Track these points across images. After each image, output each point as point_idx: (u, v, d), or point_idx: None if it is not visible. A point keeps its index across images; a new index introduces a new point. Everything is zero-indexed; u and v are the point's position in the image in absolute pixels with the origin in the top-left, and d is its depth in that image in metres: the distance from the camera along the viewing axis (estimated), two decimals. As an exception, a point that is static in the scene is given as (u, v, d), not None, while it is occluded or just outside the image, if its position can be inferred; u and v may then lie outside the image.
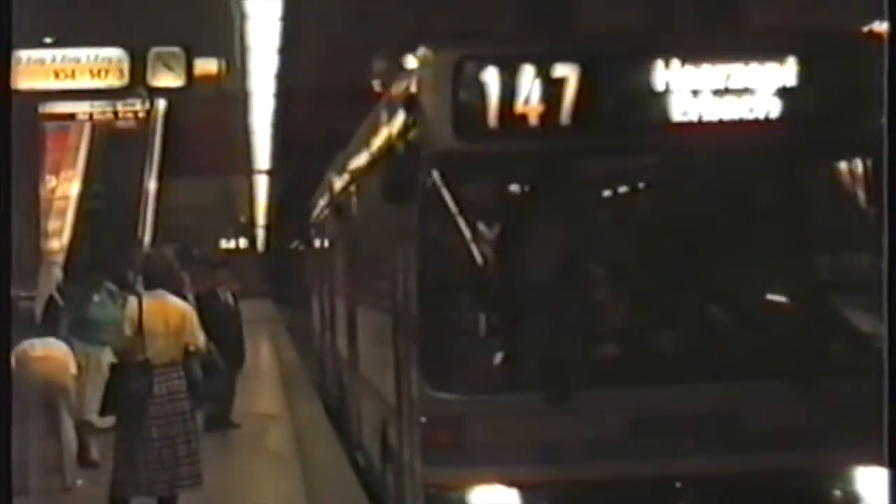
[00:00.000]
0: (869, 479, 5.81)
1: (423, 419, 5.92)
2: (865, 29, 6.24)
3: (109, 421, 7.88)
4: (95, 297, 10.73)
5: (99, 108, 22.53)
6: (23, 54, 17.96)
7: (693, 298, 6.02)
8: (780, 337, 6.03)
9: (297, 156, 26.31)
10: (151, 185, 28.36)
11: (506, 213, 6.15)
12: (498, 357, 5.94)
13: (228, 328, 12.04)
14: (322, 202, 14.49)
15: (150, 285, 7.94)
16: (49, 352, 9.17)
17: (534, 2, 11.94)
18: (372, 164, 8.13)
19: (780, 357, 5.93)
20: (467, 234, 5.79)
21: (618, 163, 6.18)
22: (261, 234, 52.90)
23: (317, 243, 16.17)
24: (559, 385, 5.74)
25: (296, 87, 19.46)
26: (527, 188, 6.20)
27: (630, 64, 5.94)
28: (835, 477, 5.92)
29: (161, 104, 25.88)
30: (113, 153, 27.64)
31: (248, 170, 32.70)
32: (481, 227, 5.94)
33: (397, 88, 6.70)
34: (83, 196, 27.49)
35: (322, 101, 19.70)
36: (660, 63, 5.86)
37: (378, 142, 7.66)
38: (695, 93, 5.87)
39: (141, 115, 22.71)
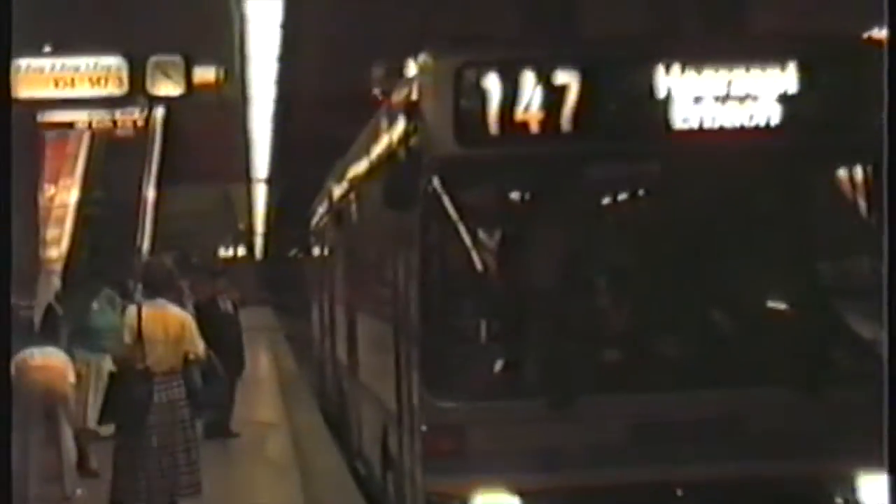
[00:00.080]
0: (870, 486, 5.80)
1: (423, 427, 5.90)
2: (866, 35, 6.24)
3: (112, 429, 7.87)
4: (94, 305, 10.72)
5: (98, 117, 22.52)
6: (22, 63, 17.96)
7: (694, 304, 6.02)
8: (782, 343, 6.02)
9: (296, 163, 26.32)
10: (150, 193, 28.33)
11: (507, 219, 6.15)
12: (499, 364, 5.93)
13: (228, 336, 12.02)
14: (322, 209, 14.49)
15: (150, 294, 7.94)
16: (48, 361, 9.14)
17: (536, 7, 11.96)
18: (372, 170, 8.13)
19: (781, 363, 5.92)
20: (469, 240, 5.79)
21: (619, 169, 6.17)
22: (259, 241, 52.90)
23: (316, 251, 16.17)
24: (561, 392, 5.73)
25: (295, 94, 19.47)
26: (528, 194, 6.20)
27: (631, 70, 5.94)
28: (836, 483, 5.91)
29: (160, 112, 25.86)
30: (112, 161, 27.60)
31: (247, 177, 32.72)
32: (483, 233, 5.94)
33: (398, 95, 6.70)
34: (82, 204, 27.45)
35: (321, 108, 19.71)
36: (661, 69, 5.86)
37: (379, 149, 7.66)
38: (696, 99, 5.88)
39: (140, 123, 22.69)
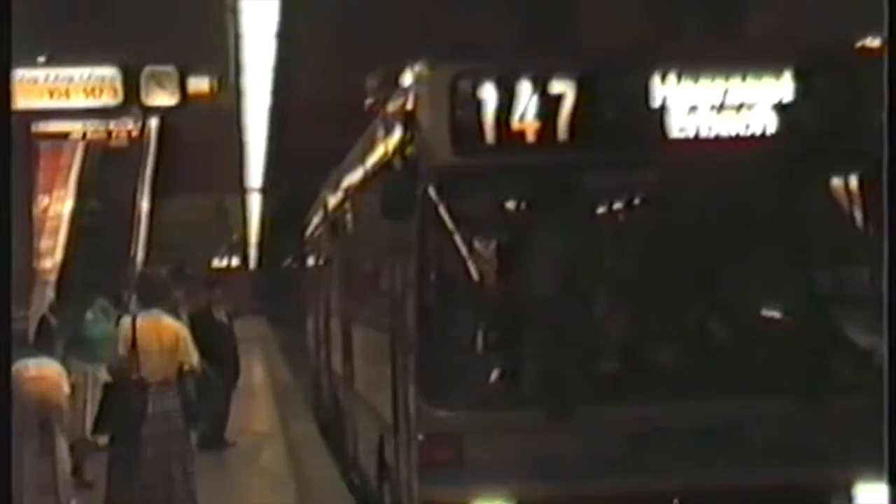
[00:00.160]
0: (868, 495, 5.79)
1: (420, 436, 5.89)
2: (860, 44, 6.25)
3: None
4: (89, 315, 10.70)
5: (92, 127, 22.50)
6: (16, 73, 17.97)
7: (691, 314, 6.02)
8: (780, 352, 6.02)
9: (291, 173, 26.30)
10: (144, 204, 28.31)
11: (504, 228, 6.14)
12: (496, 373, 5.92)
13: (223, 347, 12.00)
14: (317, 219, 14.48)
15: (145, 304, 7.94)
16: (42, 372, 9.11)
17: (532, 15, 11.97)
18: (368, 180, 8.13)
19: (779, 373, 5.92)
20: (465, 249, 5.78)
21: (616, 178, 6.17)
22: (253, 252, 52.84)
23: (311, 261, 16.16)
24: (558, 401, 5.72)
25: (289, 104, 19.46)
26: (525, 203, 6.20)
27: (627, 79, 5.95)
28: (834, 492, 5.90)
29: (154, 122, 25.86)
30: (106, 172, 27.58)
31: (242, 187, 32.70)
32: (479, 242, 5.94)
33: (394, 104, 6.70)
34: (76, 215, 27.43)
35: (316, 118, 19.71)
36: (657, 78, 5.87)
37: (375, 158, 7.66)
38: (692, 108, 5.88)
39: (134, 133, 22.68)
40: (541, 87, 5.81)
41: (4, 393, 3.38)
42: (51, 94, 19.06)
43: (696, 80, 5.89)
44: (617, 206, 6.35)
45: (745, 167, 5.98)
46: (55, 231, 27.14)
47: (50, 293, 17.92)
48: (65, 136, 23.99)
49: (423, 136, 5.89)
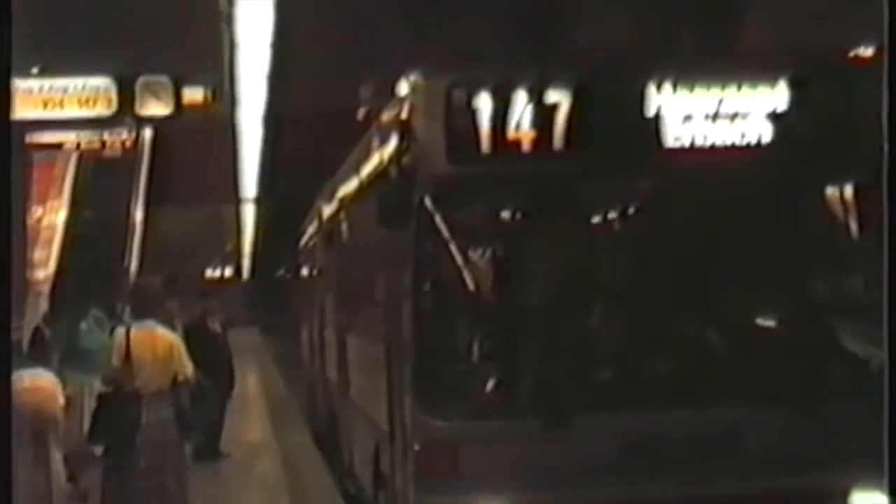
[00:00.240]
0: (864, 503, 5.79)
1: (416, 446, 5.88)
2: (857, 52, 6.27)
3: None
4: (83, 326, 10.68)
5: (86, 138, 22.50)
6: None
7: (687, 322, 6.03)
8: (776, 361, 6.02)
9: (285, 183, 26.30)
10: (138, 214, 28.30)
11: (500, 237, 6.15)
12: (492, 382, 5.92)
13: (217, 357, 11.99)
14: (311, 229, 14.48)
15: (138, 315, 7.93)
16: (37, 383, 9.08)
17: (527, 25, 12.00)
18: (364, 189, 8.13)
19: (775, 381, 5.92)
20: (461, 258, 5.79)
21: (611, 187, 6.18)
22: (247, 262, 52.76)
23: (305, 271, 16.15)
24: (554, 410, 5.72)
25: (284, 114, 19.48)
26: (520, 212, 6.20)
27: (622, 88, 5.96)
28: (831, 501, 5.90)
29: (148, 132, 25.87)
30: (100, 182, 27.58)
31: (236, 197, 32.70)
32: (475, 251, 5.94)
33: (390, 114, 6.71)
34: (70, 225, 27.41)
35: (310, 128, 19.72)
36: (652, 87, 5.88)
37: (370, 168, 7.66)
38: (687, 117, 5.89)
39: (128, 143, 22.68)
40: (536, 97, 5.82)
41: (4, 402, 3.37)
42: (45, 105, 19.06)
43: (691, 89, 5.91)
44: (612, 215, 6.36)
45: (740, 176, 5.99)
46: (49, 242, 27.11)
47: (44, 304, 17.91)
48: (59, 146, 23.98)
49: (418, 145, 5.89)
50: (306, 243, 15.69)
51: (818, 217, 6.27)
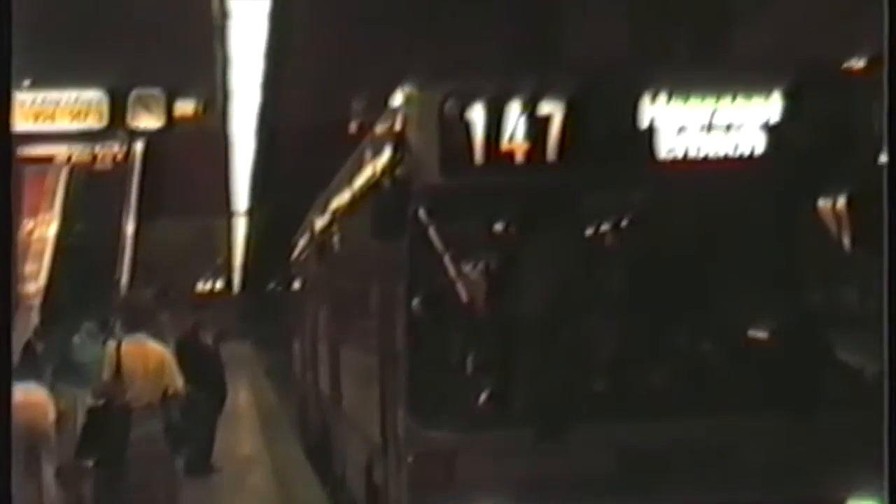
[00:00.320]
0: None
1: (410, 457, 5.87)
2: (851, 64, 6.29)
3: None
4: (76, 340, 10.65)
5: (77, 151, 22.46)
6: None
7: (682, 333, 6.03)
8: (770, 371, 6.03)
9: (276, 196, 26.29)
10: (129, 227, 28.25)
11: (494, 248, 6.14)
12: (485, 393, 5.91)
13: (209, 371, 11.98)
14: (303, 242, 14.46)
15: (129, 329, 7.91)
16: (29, 397, 9.04)
17: (521, 37, 12.03)
18: (357, 201, 8.13)
19: (770, 392, 5.93)
20: (455, 269, 5.78)
21: (605, 198, 6.19)
22: (238, 275, 52.68)
23: (297, 283, 16.12)
24: (548, 421, 5.71)
25: (275, 127, 19.49)
26: (514, 224, 6.20)
27: (616, 100, 5.97)
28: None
29: (139, 145, 25.85)
30: (91, 195, 27.53)
31: (228, 210, 32.68)
32: (469, 262, 5.93)
33: (383, 126, 6.71)
34: (60, 238, 27.35)
35: (302, 141, 19.72)
36: (646, 99, 5.89)
37: (363, 179, 7.66)
38: (682, 128, 5.90)
39: (119, 156, 22.64)
40: (530, 108, 5.83)
41: (4, 416, 3.36)
42: (36, 118, 19.02)
43: (685, 100, 5.92)
44: (606, 226, 6.36)
45: (734, 187, 6.00)
46: (40, 255, 27.05)
47: (34, 317, 17.84)
48: (50, 159, 23.93)
49: (412, 156, 5.90)
50: (298, 256, 15.68)
51: (812, 228, 6.27)
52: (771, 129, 5.95)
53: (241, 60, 14.84)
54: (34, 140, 20.50)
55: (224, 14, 13.09)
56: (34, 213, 27.42)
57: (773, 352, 6.17)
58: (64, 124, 18.99)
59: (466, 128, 5.80)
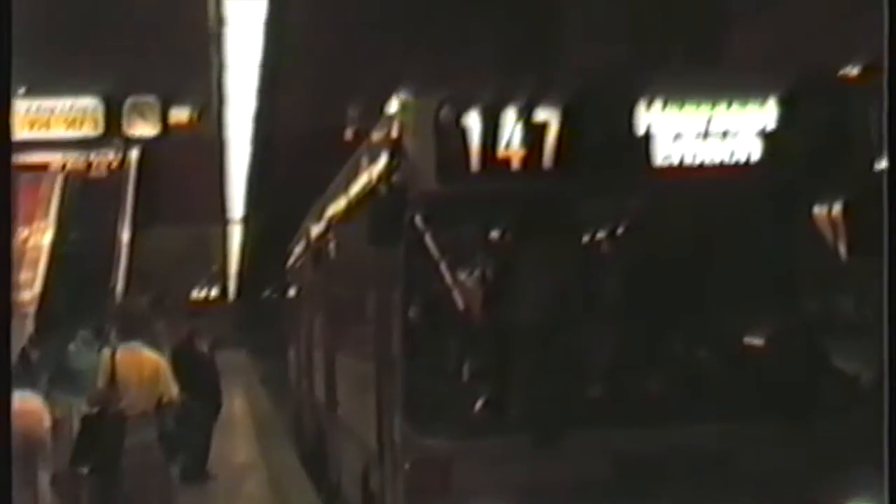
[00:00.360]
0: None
1: (407, 464, 5.87)
2: (846, 71, 6.31)
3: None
4: (72, 347, 10.63)
5: (72, 158, 22.44)
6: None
7: (678, 340, 6.03)
8: (766, 378, 6.03)
9: (271, 204, 26.30)
10: (124, 235, 28.23)
11: (490, 255, 6.14)
12: (482, 400, 5.91)
13: (204, 378, 11.96)
14: (299, 249, 14.46)
15: (125, 336, 7.90)
16: (24, 406, 9.01)
17: (516, 44, 12.05)
18: (353, 209, 8.13)
19: (766, 399, 5.93)
20: (451, 276, 5.78)
21: (601, 205, 6.20)
22: (233, 283, 52.65)
23: (293, 291, 16.12)
24: (545, 428, 5.71)
25: (271, 134, 19.49)
26: (510, 231, 6.20)
27: (612, 107, 5.97)
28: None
29: (134, 153, 25.84)
30: (86, 202, 27.51)
31: (223, 218, 32.68)
32: (465, 269, 5.94)
33: (379, 133, 6.72)
34: (55, 246, 27.32)
35: (297, 148, 19.73)
36: (642, 106, 5.90)
37: (359, 186, 7.66)
38: (677, 135, 5.91)
39: (115, 164, 22.62)
40: (526, 115, 5.83)
41: (4, 421, 3.34)
42: (31, 126, 19.00)
43: (680, 107, 5.92)
44: (602, 233, 6.36)
45: (730, 194, 6.01)
46: (34, 263, 27.01)
47: (29, 325, 17.82)
48: (45, 167, 23.91)
49: (408, 163, 5.90)
50: (293, 263, 15.67)
51: (808, 235, 6.28)
52: (766, 136, 5.96)
53: (236, 67, 14.84)
54: (29, 148, 20.47)
55: (220, 21, 13.10)
56: (29, 220, 27.39)
57: (770, 359, 6.18)
58: (59, 132, 18.97)
59: (463, 135, 5.80)
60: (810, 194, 6.16)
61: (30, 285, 26.25)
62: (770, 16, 12.73)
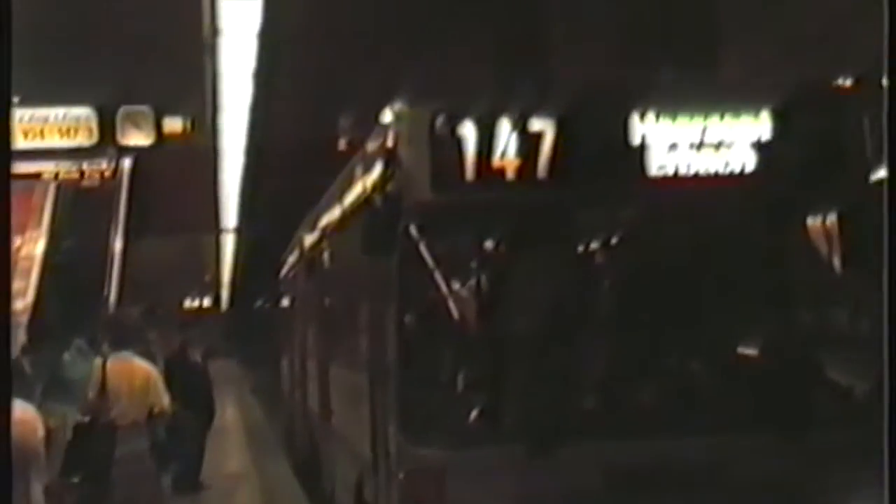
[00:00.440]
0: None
1: (401, 474, 5.86)
2: (840, 82, 6.33)
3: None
4: (66, 357, 10.61)
5: (65, 167, 22.39)
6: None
7: (672, 351, 6.03)
8: (760, 391, 6.03)
9: (264, 214, 26.27)
10: (117, 244, 28.16)
11: (485, 265, 6.15)
12: (476, 410, 5.91)
13: (197, 388, 11.95)
14: (292, 259, 14.45)
15: (117, 346, 7.90)
16: (17, 415, 9.00)
17: (511, 54, 12.07)
18: (347, 218, 8.13)
19: (760, 411, 5.93)
20: (446, 286, 5.79)
21: (596, 215, 6.21)
22: (226, 293, 52.61)
23: (286, 301, 16.10)
24: (539, 439, 5.71)
25: (265, 144, 19.48)
26: (505, 241, 6.21)
27: (606, 117, 5.99)
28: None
29: (127, 163, 25.80)
30: (79, 212, 27.45)
31: (216, 228, 32.63)
32: (460, 279, 5.94)
33: (374, 142, 6.72)
34: (48, 256, 27.24)
35: (291, 159, 19.72)
36: (636, 116, 5.92)
37: (353, 196, 7.67)
38: (672, 146, 5.92)
39: (107, 173, 22.57)
40: (520, 125, 5.84)
41: (4, 428, 3.34)
42: (25, 135, 18.99)
43: (674, 118, 5.94)
44: (597, 243, 6.37)
45: (724, 205, 6.02)
46: (27, 272, 26.92)
47: (22, 335, 17.76)
48: (37, 176, 23.87)
49: (403, 173, 5.90)
50: (287, 273, 15.66)
51: (802, 246, 6.30)
52: (761, 147, 5.97)
53: (230, 77, 14.85)
54: (22, 157, 20.44)
55: (214, 31, 13.10)
56: (21, 230, 27.30)
57: (763, 370, 6.18)
58: (53, 141, 18.96)
59: (458, 144, 5.81)
60: (804, 205, 6.17)
61: (22, 295, 26.14)
62: (763, 27, 12.77)
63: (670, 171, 5.92)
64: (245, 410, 23.21)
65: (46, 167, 23.03)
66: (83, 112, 18.38)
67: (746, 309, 6.21)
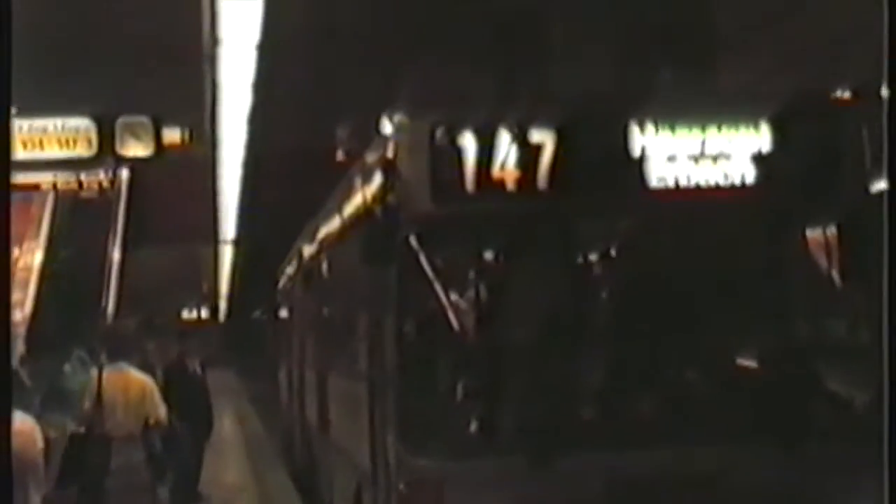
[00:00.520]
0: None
1: (401, 485, 5.86)
2: (839, 94, 6.35)
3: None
4: (67, 367, 10.59)
5: (63, 178, 22.37)
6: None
7: (671, 362, 6.04)
8: (759, 402, 6.04)
9: (263, 225, 26.28)
10: (115, 255, 28.13)
11: (484, 276, 6.16)
12: (476, 421, 5.91)
13: (196, 399, 11.92)
14: (290, 270, 14.45)
15: (114, 357, 7.89)
16: (16, 426, 8.99)
17: (510, 65, 12.09)
18: (346, 229, 8.13)
19: (760, 421, 5.93)
20: (445, 297, 5.79)
21: (595, 226, 6.22)
22: (224, 303, 52.60)
23: (284, 312, 16.10)
24: (538, 449, 5.71)
25: (263, 155, 19.49)
26: (505, 252, 6.22)
27: (605, 129, 6.00)
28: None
29: (125, 173, 25.79)
30: (77, 222, 27.42)
31: (215, 239, 32.62)
32: (459, 290, 5.95)
33: (373, 153, 6.73)
34: (46, 266, 27.20)
35: (290, 169, 19.73)
36: (635, 128, 5.93)
37: (353, 207, 7.67)
38: (671, 157, 5.94)
39: (106, 184, 22.54)
40: (520, 137, 5.85)
41: (3, 441, 3.34)
42: (24, 146, 18.95)
43: (673, 130, 5.96)
44: (596, 254, 6.38)
45: (723, 216, 6.03)
46: (25, 283, 26.89)
47: (20, 346, 17.73)
48: (35, 186, 23.85)
49: (402, 184, 5.91)
50: (285, 284, 15.66)
51: (801, 257, 6.31)
52: (760, 159, 5.99)
53: (229, 88, 14.86)
54: (21, 168, 20.41)
55: (213, 41, 13.12)
56: (19, 241, 27.27)
57: (763, 381, 6.19)
58: (52, 152, 18.93)
59: (457, 155, 5.83)
60: (803, 217, 6.19)
61: (20, 305, 26.09)
62: (762, 39, 12.79)
63: (669, 183, 5.93)
64: (243, 421, 23.18)
65: (45, 178, 23.01)
66: (82, 123, 18.35)
67: (746, 320, 6.22)
